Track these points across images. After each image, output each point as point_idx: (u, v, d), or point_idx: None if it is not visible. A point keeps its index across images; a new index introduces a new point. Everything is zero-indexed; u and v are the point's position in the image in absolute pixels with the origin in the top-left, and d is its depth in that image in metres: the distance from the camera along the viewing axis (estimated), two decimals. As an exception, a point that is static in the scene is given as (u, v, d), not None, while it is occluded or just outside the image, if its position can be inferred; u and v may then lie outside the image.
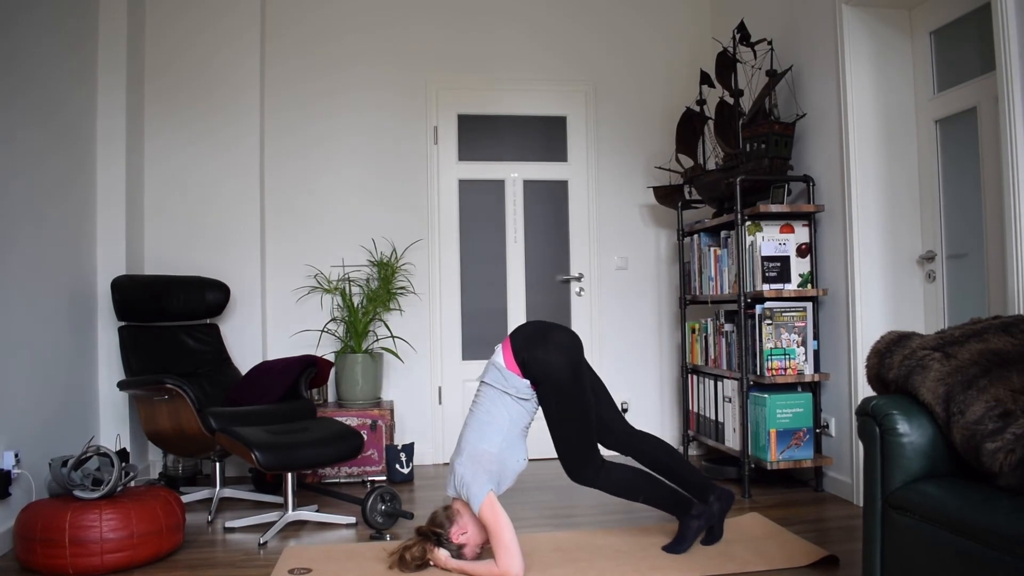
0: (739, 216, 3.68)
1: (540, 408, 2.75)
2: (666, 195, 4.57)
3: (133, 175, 4.09)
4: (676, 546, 2.79)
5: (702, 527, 2.81)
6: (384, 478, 4.11)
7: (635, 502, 2.83)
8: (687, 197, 4.53)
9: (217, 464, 3.67)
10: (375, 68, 4.66)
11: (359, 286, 4.53)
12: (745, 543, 2.86)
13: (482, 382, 2.77)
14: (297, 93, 4.58)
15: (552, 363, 2.67)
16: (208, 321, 4.15)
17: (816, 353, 3.67)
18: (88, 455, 2.80)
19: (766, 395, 3.54)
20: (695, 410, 4.33)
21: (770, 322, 3.60)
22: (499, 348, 2.77)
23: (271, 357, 4.39)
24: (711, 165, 4.48)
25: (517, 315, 4.73)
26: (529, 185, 4.79)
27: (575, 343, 2.80)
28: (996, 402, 1.88)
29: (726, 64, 4.08)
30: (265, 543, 3.01)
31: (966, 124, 3.19)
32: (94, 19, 3.87)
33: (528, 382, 2.70)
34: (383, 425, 4.10)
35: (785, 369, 3.59)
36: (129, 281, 3.81)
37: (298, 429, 3.29)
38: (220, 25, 4.37)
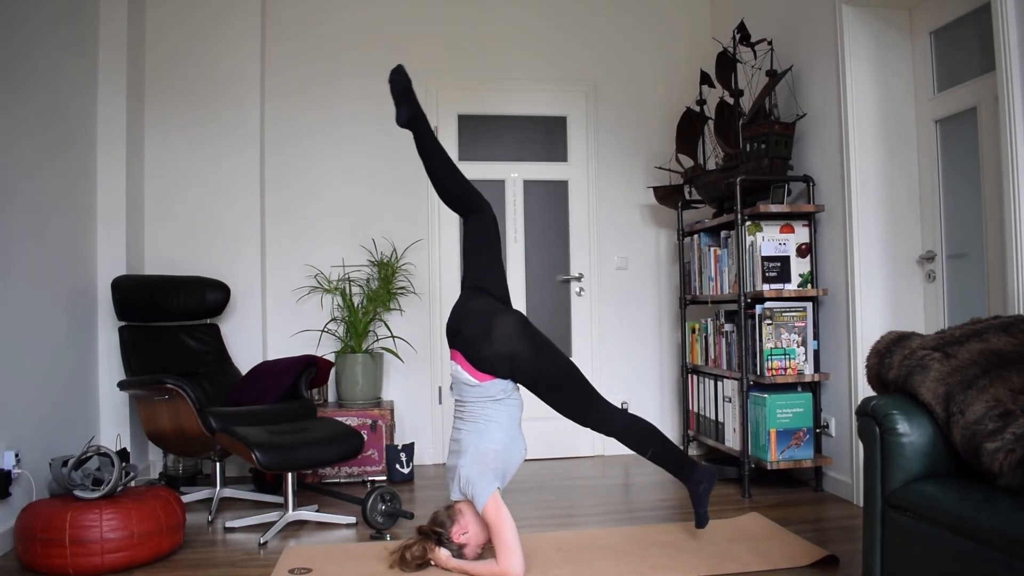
0: (739, 216, 3.68)
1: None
2: (666, 195, 4.57)
3: (134, 175, 4.09)
4: (699, 519, 2.82)
5: (709, 488, 2.83)
6: (384, 478, 4.11)
7: (643, 456, 2.82)
8: (687, 197, 4.53)
9: (217, 464, 3.67)
10: (375, 67, 4.65)
11: (359, 286, 4.53)
12: (745, 543, 2.86)
13: (462, 401, 2.73)
14: (297, 91, 4.58)
15: (514, 357, 2.65)
16: (208, 321, 4.15)
17: (816, 353, 3.67)
18: (88, 455, 2.80)
19: (766, 395, 3.54)
20: (695, 410, 4.33)
21: (770, 322, 3.60)
22: (457, 365, 2.72)
23: (271, 357, 4.39)
24: (711, 165, 4.49)
25: (517, 315, 4.73)
26: (529, 185, 4.79)
27: (518, 323, 2.71)
28: (996, 402, 1.88)
29: (726, 64, 4.08)
30: (265, 543, 3.01)
31: (966, 124, 3.19)
32: (95, 25, 3.87)
33: (508, 380, 2.71)
34: (383, 425, 4.11)
35: (785, 369, 3.60)
36: (129, 281, 3.81)
37: (298, 429, 3.29)
38: (221, 27, 4.37)
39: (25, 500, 3.00)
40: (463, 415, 2.73)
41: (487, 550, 2.66)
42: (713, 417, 4.07)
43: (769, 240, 3.66)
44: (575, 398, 2.75)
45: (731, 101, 4.21)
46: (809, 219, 3.72)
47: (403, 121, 2.89)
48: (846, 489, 3.51)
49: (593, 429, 2.79)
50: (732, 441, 3.86)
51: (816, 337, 3.68)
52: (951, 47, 3.32)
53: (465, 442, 2.67)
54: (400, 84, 2.90)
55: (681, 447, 2.86)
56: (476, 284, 2.88)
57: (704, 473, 2.84)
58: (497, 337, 2.66)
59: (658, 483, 3.96)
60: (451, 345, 2.77)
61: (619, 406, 4.71)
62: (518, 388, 2.77)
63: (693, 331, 4.35)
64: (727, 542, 2.87)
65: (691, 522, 2.92)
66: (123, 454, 3.33)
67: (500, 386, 2.69)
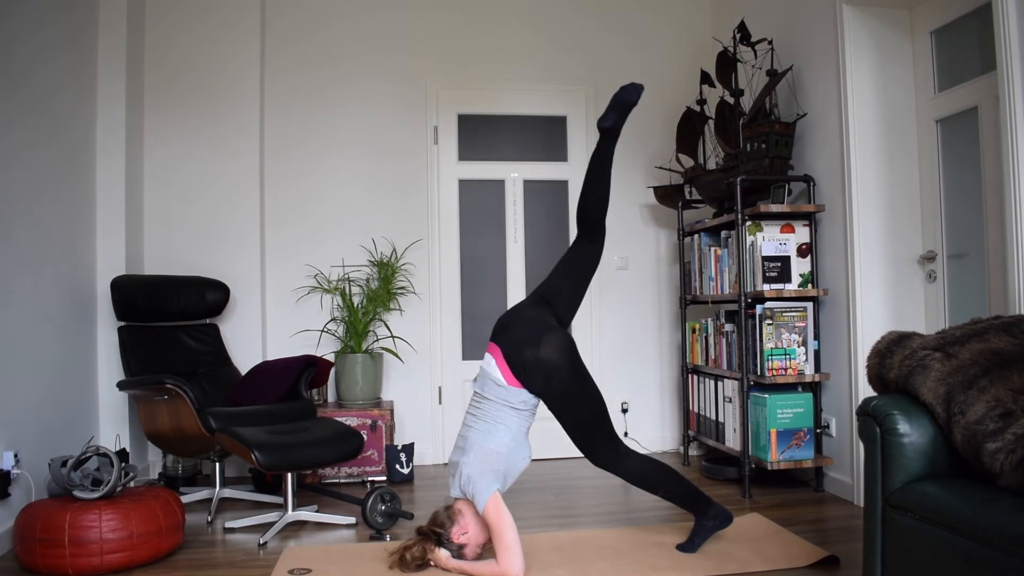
0: (739, 216, 3.67)
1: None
2: (666, 195, 4.57)
3: (133, 175, 4.09)
4: (689, 544, 2.80)
5: (718, 527, 2.82)
6: (384, 478, 4.11)
7: (655, 495, 2.82)
8: (687, 197, 4.53)
9: (217, 464, 3.67)
10: (375, 67, 4.66)
11: (359, 286, 4.53)
12: (745, 543, 2.86)
13: (482, 396, 2.72)
14: (297, 92, 4.58)
15: (552, 373, 2.64)
16: (208, 321, 4.14)
17: (816, 353, 3.67)
18: (88, 455, 2.79)
19: (766, 395, 3.54)
20: (695, 410, 4.33)
21: (770, 322, 3.59)
22: (491, 359, 2.71)
23: (271, 357, 4.39)
24: (711, 165, 4.48)
25: (517, 315, 4.73)
26: (529, 185, 4.78)
27: (568, 343, 2.71)
28: (997, 402, 1.87)
29: (726, 64, 4.08)
30: (265, 543, 3.01)
31: (967, 124, 3.18)
32: (94, 33, 3.87)
33: (534, 397, 2.69)
34: (383, 425, 4.10)
35: (786, 369, 3.59)
36: (129, 281, 3.81)
37: (298, 429, 3.29)
38: (221, 33, 4.37)
39: (24, 500, 3.00)
40: (477, 412, 2.71)
41: (487, 550, 2.66)
42: (713, 417, 4.07)
43: (769, 240, 3.65)
44: (594, 433, 2.73)
45: (731, 101, 4.21)
46: (809, 219, 3.72)
47: (604, 125, 2.85)
48: (847, 489, 3.51)
49: (600, 467, 2.77)
50: (732, 441, 3.85)
51: (816, 337, 3.67)
52: (952, 47, 3.32)
53: (471, 440, 2.66)
54: (628, 98, 2.84)
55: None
56: (549, 298, 2.89)
57: (720, 512, 2.82)
58: (544, 347, 2.64)
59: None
60: (494, 338, 2.76)
61: (619, 406, 4.75)
62: (538, 406, 2.75)
63: (693, 331, 4.34)
64: (727, 542, 2.87)
65: (690, 522, 2.90)
66: (122, 454, 3.33)
67: (523, 397, 2.67)
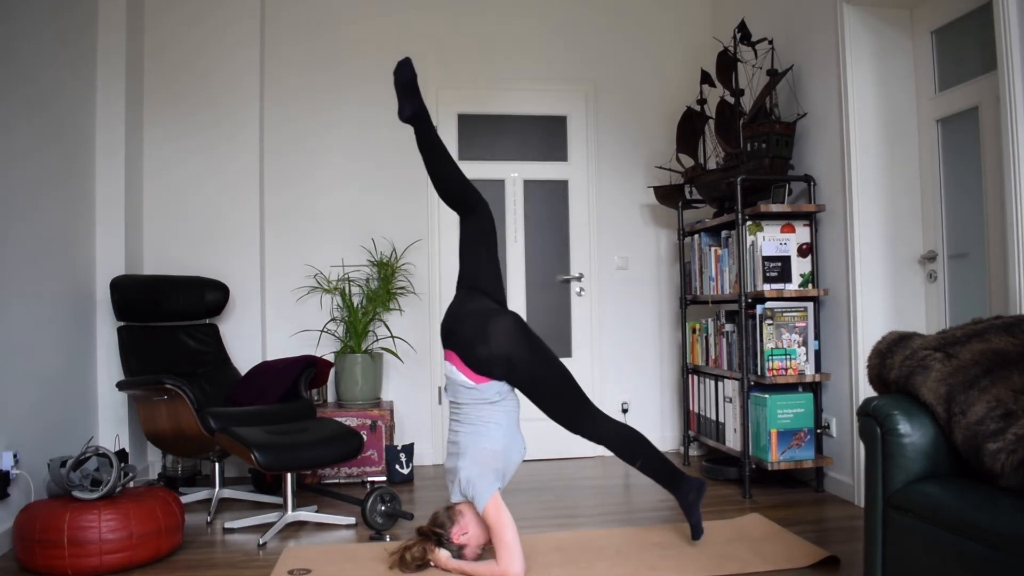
0: (740, 216, 3.67)
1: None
2: (666, 195, 4.56)
3: (132, 175, 4.09)
4: (694, 531, 2.84)
5: (698, 498, 2.84)
6: (384, 478, 4.11)
7: (632, 465, 2.84)
8: (687, 197, 4.52)
9: (216, 464, 3.66)
10: (375, 67, 4.65)
11: (359, 286, 4.52)
12: (746, 543, 2.85)
13: (458, 403, 2.72)
14: (296, 91, 4.57)
15: (511, 359, 2.66)
16: (207, 321, 4.14)
17: (817, 353, 3.66)
18: (87, 455, 2.79)
19: (767, 395, 3.53)
20: (696, 410, 4.32)
21: (771, 322, 3.59)
22: (452, 366, 2.71)
23: (271, 357, 4.38)
24: (712, 165, 4.48)
25: (517, 315, 4.72)
26: (529, 185, 4.78)
27: (515, 325, 2.71)
28: (997, 402, 1.87)
29: (727, 63, 4.07)
30: (264, 544, 3.00)
31: (967, 123, 3.18)
32: (94, 34, 3.87)
33: (503, 383, 2.71)
34: (383, 425, 4.10)
35: (786, 369, 3.59)
36: (128, 281, 3.81)
37: (298, 429, 3.29)
38: (221, 33, 4.37)
39: (23, 501, 2.99)
40: (459, 417, 2.72)
41: (487, 550, 2.65)
42: (714, 417, 4.07)
43: (770, 240, 3.65)
44: (569, 403, 2.75)
45: (732, 100, 4.21)
46: (810, 219, 3.71)
47: (405, 116, 2.83)
48: (847, 490, 3.50)
49: (583, 436, 2.80)
50: (733, 441, 3.85)
51: (817, 337, 3.67)
52: (952, 46, 3.31)
53: (464, 443, 2.66)
54: (405, 78, 2.81)
55: (672, 457, 2.85)
56: (473, 284, 2.86)
57: (693, 484, 2.84)
58: (494, 339, 2.65)
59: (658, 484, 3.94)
60: (446, 346, 2.76)
61: (619, 406, 4.75)
62: (513, 390, 2.77)
63: (694, 331, 4.34)
64: (727, 543, 2.87)
65: (687, 523, 2.90)
66: (122, 455, 3.32)
67: (496, 388, 2.68)
